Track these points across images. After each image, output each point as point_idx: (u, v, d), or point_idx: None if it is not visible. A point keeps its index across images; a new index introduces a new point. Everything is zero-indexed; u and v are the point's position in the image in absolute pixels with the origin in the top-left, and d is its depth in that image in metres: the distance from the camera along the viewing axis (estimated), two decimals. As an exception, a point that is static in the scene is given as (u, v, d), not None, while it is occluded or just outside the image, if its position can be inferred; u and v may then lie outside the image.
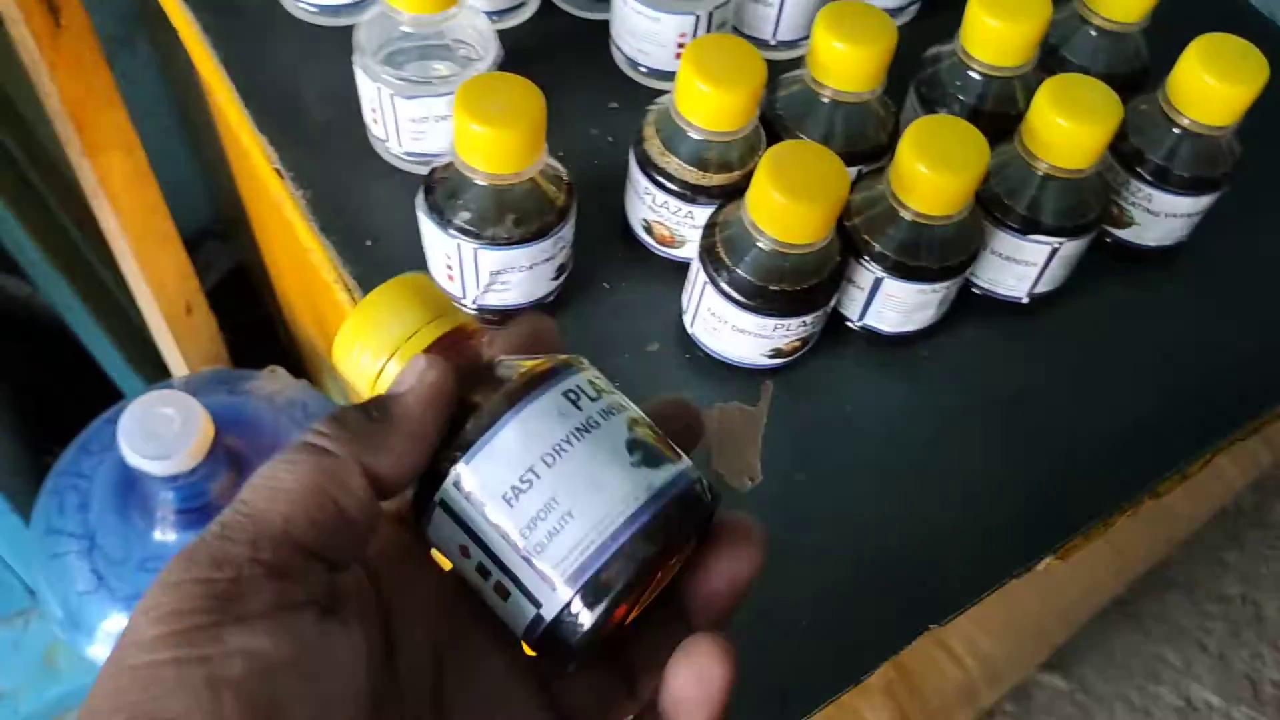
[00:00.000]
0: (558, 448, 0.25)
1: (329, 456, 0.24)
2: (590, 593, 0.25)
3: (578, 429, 0.25)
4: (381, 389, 0.27)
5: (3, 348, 1.25)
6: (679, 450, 0.27)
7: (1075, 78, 0.44)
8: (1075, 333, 0.49)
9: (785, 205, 0.40)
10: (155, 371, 1.20)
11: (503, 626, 0.27)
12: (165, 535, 0.89)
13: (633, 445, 0.26)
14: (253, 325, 1.33)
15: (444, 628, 0.27)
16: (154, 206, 1.04)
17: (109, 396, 1.27)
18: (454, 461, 0.25)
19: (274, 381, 1.04)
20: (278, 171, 0.50)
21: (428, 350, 0.27)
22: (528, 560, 0.25)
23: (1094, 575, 1.09)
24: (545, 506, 0.25)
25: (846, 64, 0.44)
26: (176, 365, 1.14)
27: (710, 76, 0.42)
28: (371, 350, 0.27)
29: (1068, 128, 0.43)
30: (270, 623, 0.22)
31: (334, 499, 0.24)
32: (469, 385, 0.26)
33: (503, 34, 0.56)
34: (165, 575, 0.22)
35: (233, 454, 0.92)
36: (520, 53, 0.56)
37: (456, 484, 0.25)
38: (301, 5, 0.54)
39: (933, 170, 0.41)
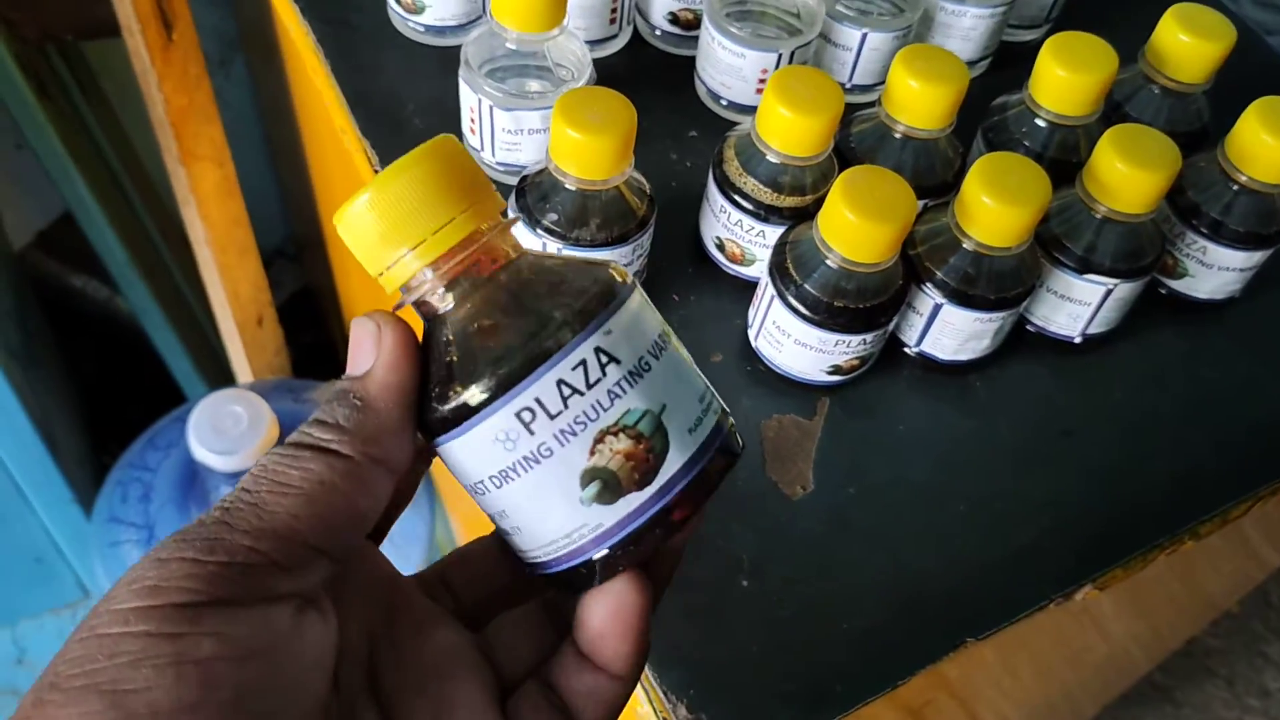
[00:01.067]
0: (503, 474, 0.24)
1: (340, 458, 0.24)
2: (558, 583, 0.26)
3: (525, 459, 0.24)
4: (391, 280, 0.25)
5: (77, 347, 1.30)
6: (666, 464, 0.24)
7: (1138, 128, 0.46)
8: (1124, 375, 0.51)
9: (855, 224, 0.42)
10: (220, 379, 1.24)
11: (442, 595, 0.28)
12: (222, 531, 0.92)
13: (590, 476, 0.24)
14: (315, 346, 1.38)
15: (379, 616, 0.27)
16: (238, 219, 1.09)
17: (170, 404, 1.32)
18: (432, 432, 0.25)
19: (335, 394, 1.07)
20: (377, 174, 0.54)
21: (454, 250, 0.25)
22: (506, 534, 0.26)
23: (1127, 652, 1.09)
24: (500, 514, 0.26)
25: (920, 101, 0.47)
26: (243, 373, 1.18)
27: (792, 103, 0.45)
28: (391, 237, 0.25)
29: (1128, 173, 0.45)
30: (251, 612, 0.22)
31: (349, 497, 0.24)
32: (483, 305, 0.25)
33: (595, 63, 0.60)
34: (156, 551, 0.22)
35: (292, 458, 0.95)
36: (610, 80, 0.59)
37: (441, 451, 0.26)
38: (410, 23, 0.58)
39: (996, 202, 0.43)
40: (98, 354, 1.35)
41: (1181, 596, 1.02)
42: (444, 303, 0.26)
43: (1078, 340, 0.51)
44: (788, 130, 0.45)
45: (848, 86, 0.58)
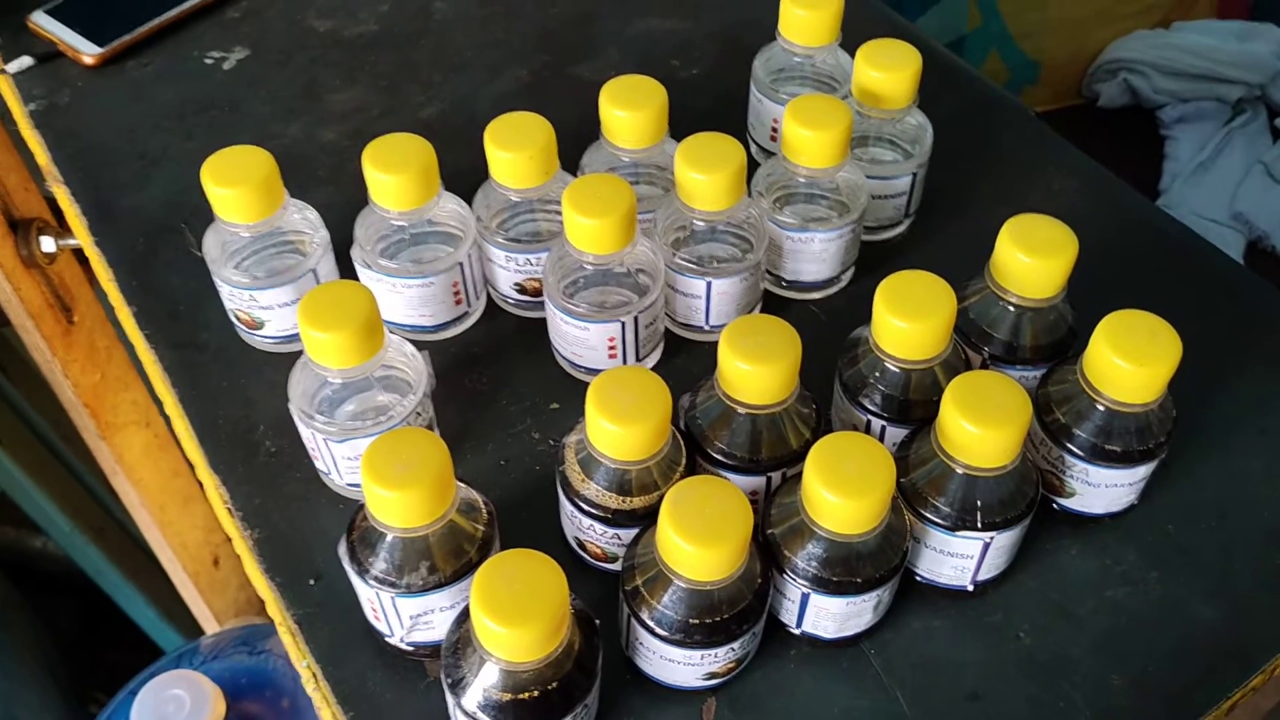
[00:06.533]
0: None
1: None
2: None
3: None
4: None
5: (50, 603, 1.28)
6: None
7: (981, 376, 0.44)
8: (1029, 614, 0.48)
9: (693, 553, 0.40)
10: (190, 625, 1.22)
11: None
12: (185, 814, 0.89)
13: None
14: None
15: None
16: (176, 470, 1.07)
17: (150, 644, 1.29)
18: None
19: (295, 634, 1.04)
20: (229, 510, 0.52)
21: None
22: None
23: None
24: None
25: (754, 382, 0.45)
26: (205, 620, 1.16)
27: (615, 414, 0.43)
28: None
29: (978, 433, 0.42)
30: None
31: None
32: None
33: (451, 340, 0.58)
34: None
35: (247, 719, 0.93)
36: (468, 359, 0.58)
37: None
38: (255, 336, 0.57)
39: (840, 495, 0.41)
40: (76, 606, 1.33)
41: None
42: None
43: (970, 589, 0.48)
44: (617, 440, 0.43)
45: (706, 328, 0.57)
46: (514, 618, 0.37)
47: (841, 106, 0.53)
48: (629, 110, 0.54)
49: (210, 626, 1.18)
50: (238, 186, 0.51)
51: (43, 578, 1.27)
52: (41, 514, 1.07)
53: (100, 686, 1.29)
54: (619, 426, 0.43)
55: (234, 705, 0.91)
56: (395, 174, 0.52)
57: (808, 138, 0.53)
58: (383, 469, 0.41)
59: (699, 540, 0.39)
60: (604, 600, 0.48)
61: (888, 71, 0.56)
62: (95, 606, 1.32)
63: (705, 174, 0.51)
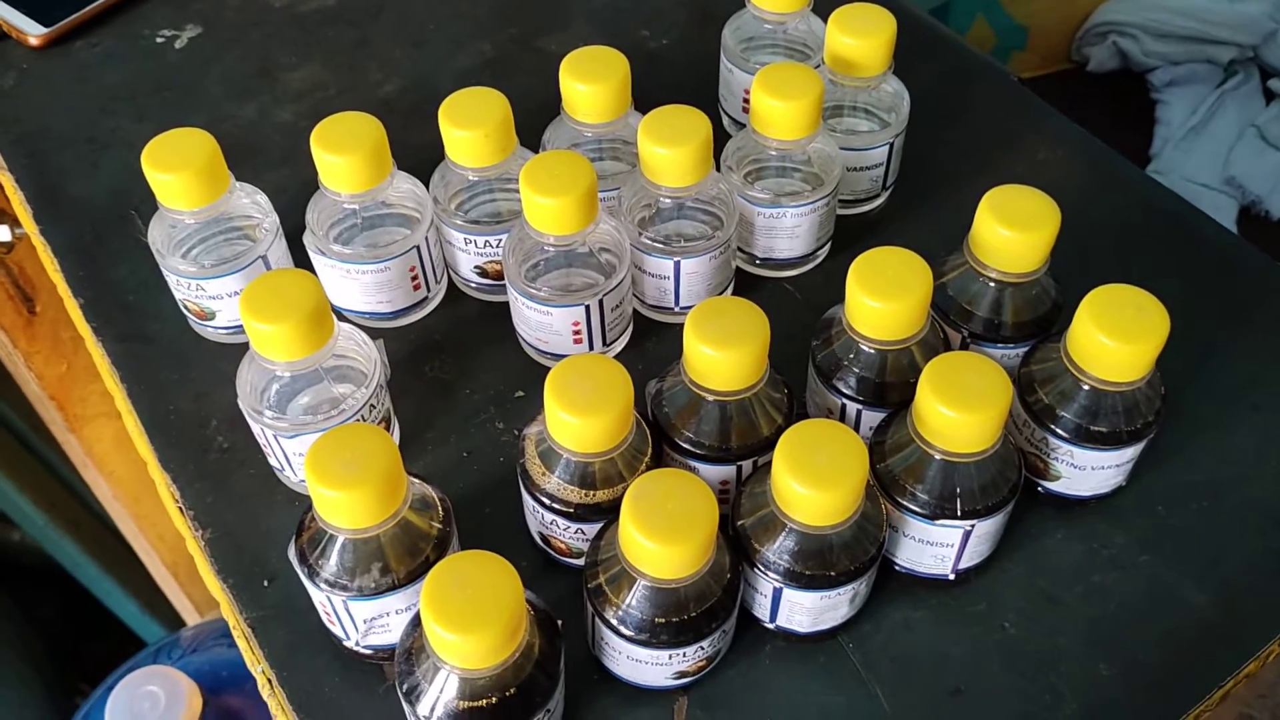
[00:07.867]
0: None
1: None
2: None
3: None
4: None
5: (32, 594, 1.26)
6: None
7: (958, 358, 0.42)
8: (1013, 602, 0.46)
9: (656, 550, 0.38)
10: (172, 614, 1.20)
11: None
12: (164, 811, 0.87)
13: None
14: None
15: None
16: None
17: (134, 635, 1.27)
18: None
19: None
20: (180, 509, 0.50)
21: None
22: None
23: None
24: None
25: (721, 368, 0.43)
26: (186, 610, 1.14)
27: (574, 405, 0.41)
28: None
29: (955, 418, 0.40)
30: None
31: None
32: None
33: (411, 327, 0.56)
34: None
35: (226, 713, 0.91)
36: (428, 346, 0.56)
37: None
38: (207, 328, 0.55)
39: (810, 487, 0.39)
40: (58, 597, 1.31)
41: None
42: None
43: (952, 577, 0.46)
44: (577, 432, 0.41)
45: (676, 310, 0.54)
46: (466, 624, 0.35)
47: (812, 75, 0.51)
48: (589, 83, 0.52)
49: (192, 618, 1.16)
50: (179, 171, 0.49)
51: (22, 570, 1.25)
52: (14, 507, 1.05)
53: (85, 678, 1.28)
54: (579, 418, 0.41)
55: (213, 699, 0.90)
56: (344, 155, 0.49)
57: (777, 109, 0.50)
58: (327, 467, 0.39)
59: (661, 537, 0.37)
60: (571, 598, 0.46)
61: (861, 37, 0.54)
62: (78, 597, 1.30)
63: (669, 148, 0.49)
